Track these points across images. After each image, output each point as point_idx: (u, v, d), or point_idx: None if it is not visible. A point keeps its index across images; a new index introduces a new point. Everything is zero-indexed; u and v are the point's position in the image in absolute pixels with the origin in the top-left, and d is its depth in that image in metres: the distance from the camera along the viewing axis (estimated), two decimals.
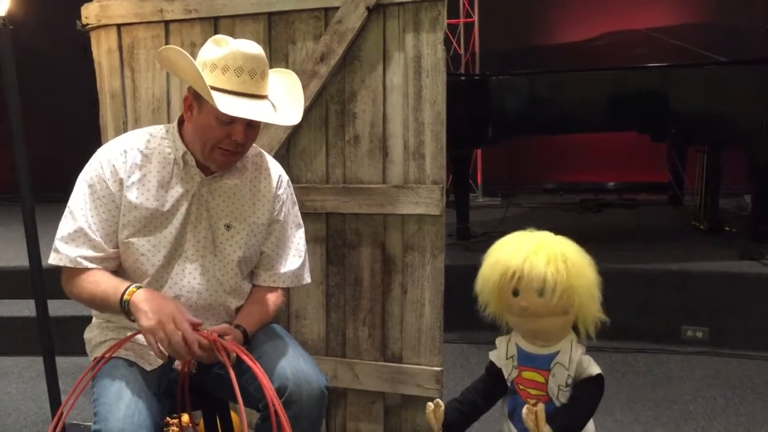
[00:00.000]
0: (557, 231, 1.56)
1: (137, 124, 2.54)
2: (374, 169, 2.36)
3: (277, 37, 2.39)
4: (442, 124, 2.26)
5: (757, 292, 3.43)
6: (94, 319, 1.84)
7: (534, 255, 1.46)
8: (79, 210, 1.68)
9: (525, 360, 1.56)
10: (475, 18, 6.30)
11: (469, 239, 4.43)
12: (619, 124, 4.24)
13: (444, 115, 2.26)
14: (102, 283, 1.66)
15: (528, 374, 1.56)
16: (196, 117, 1.69)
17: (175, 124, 1.78)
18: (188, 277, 1.74)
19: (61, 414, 1.59)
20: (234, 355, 1.57)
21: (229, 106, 1.58)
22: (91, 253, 1.67)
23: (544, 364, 1.53)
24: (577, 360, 1.49)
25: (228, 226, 1.78)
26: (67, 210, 1.71)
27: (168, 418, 2.36)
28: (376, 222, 2.39)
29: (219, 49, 1.63)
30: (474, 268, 1.59)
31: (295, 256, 1.90)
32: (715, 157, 4.40)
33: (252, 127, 1.70)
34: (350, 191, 2.38)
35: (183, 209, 1.73)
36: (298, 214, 1.96)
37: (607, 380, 1.39)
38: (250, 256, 1.83)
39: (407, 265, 2.38)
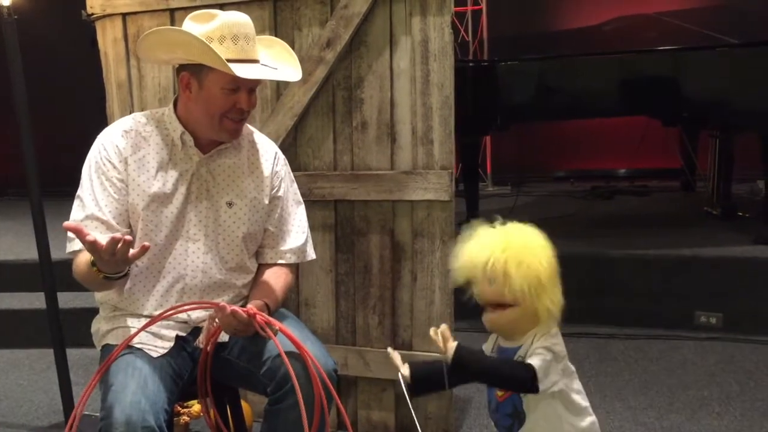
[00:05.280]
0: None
1: None
2: (382, 155, 2.34)
3: (283, 23, 2.37)
4: (451, 108, 2.24)
5: None
6: (100, 311, 1.84)
7: (480, 249, 1.48)
8: (88, 195, 1.70)
9: (499, 353, 1.56)
10: (483, 5, 6.26)
11: None
12: (629, 108, 4.18)
13: (452, 99, 2.23)
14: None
15: None
16: (197, 93, 1.70)
17: (170, 106, 1.80)
18: (191, 257, 1.76)
19: (76, 412, 1.58)
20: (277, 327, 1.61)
21: (243, 71, 1.61)
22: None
23: (509, 357, 1.52)
24: (531, 353, 1.47)
25: (230, 204, 1.80)
26: (76, 199, 1.72)
27: (179, 407, 2.35)
28: (384, 209, 2.37)
29: (208, 23, 1.65)
30: None
31: (298, 232, 1.92)
32: (727, 141, 4.35)
33: (253, 93, 1.73)
34: (358, 178, 2.36)
35: (183, 189, 1.75)
36: (297, 191, 1.98)
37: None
38: (255, 232, 1.84)
39: (417, 251, 2.36)
